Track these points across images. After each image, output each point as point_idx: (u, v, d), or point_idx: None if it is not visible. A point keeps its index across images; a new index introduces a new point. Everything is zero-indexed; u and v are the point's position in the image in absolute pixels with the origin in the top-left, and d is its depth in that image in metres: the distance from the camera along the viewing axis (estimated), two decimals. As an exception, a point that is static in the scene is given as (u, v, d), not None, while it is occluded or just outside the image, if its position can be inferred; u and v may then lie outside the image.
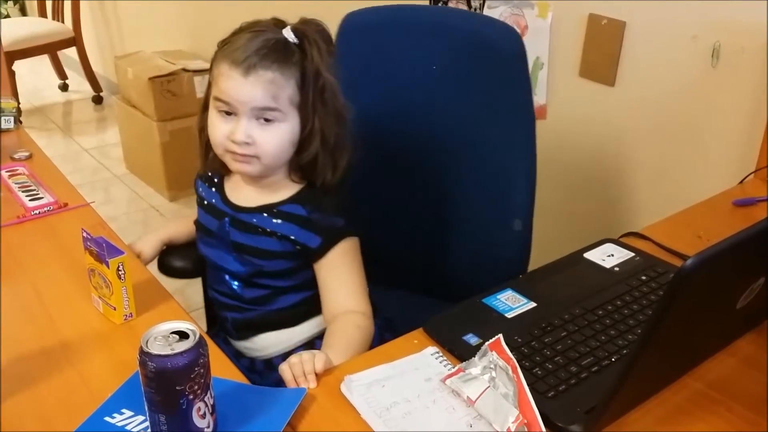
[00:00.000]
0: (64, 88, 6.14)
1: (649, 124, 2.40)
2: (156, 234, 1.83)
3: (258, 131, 1.51)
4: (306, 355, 1.29)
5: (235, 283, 1.66)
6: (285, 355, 1.52)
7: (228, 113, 1.52)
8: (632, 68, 2.40)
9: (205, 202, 1.70)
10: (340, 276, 1.62)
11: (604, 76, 2.47)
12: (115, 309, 1.39)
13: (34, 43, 5.33)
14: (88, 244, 1.39)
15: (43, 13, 5.84)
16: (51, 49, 5.63)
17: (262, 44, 1.49)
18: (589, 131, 2.58)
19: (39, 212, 1.76)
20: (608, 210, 2.60)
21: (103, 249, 1.35)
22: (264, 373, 1.69)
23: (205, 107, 1.60)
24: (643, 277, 1.53)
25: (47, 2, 5.76)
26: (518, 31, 2.56)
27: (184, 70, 4.15)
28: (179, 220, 1.91)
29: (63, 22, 5.65)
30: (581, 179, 2.68)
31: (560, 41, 2.58)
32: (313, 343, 1.67)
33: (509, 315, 1.41)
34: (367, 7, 1.85)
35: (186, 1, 4.62)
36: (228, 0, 4.15)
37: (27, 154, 2.05)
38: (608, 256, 1.62)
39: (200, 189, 1.73)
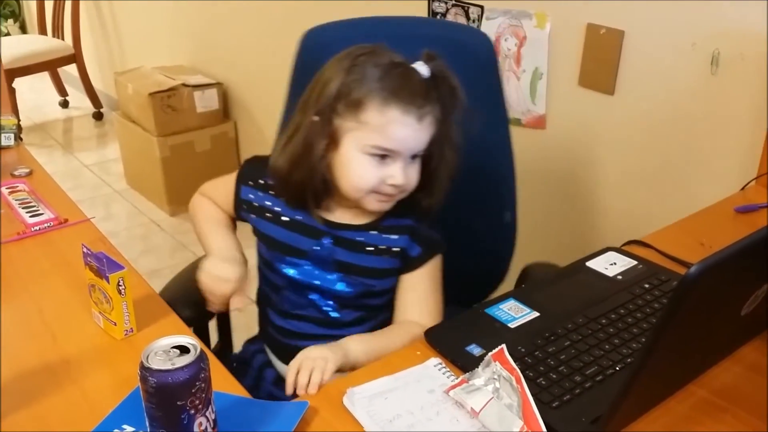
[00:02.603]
0: (64, 104, 6.15)
1: (649, 132, 2.40)
2: (232, 258, 1.61)
3: (408, 170, 1.48)
4: (319, 361, 1.29)
5: (330, 303, 1.61)
6: None
7: (383, 156, 1.45)
8: (631, 77, 2.40)
9: (285, 218, 1.59)
10: (424, 293, 1.60)
11: (603, 85, 2.47)
12: (115, 324, 1.39)
13: (35, 60, 5.34)
14: (89, 259, 1.39)
15: (43, 31, 5.85)
16: (51, 66, 5.64)
17: (420, 85, 1.44)
18: (589, 140, 2.58)
19: (39, 228, 1.76)
20: (610, 218, 2.60)
21: (103, 264, 1.35)
22: None
23: (324, 149, 1.48)
24: (647, 285, 1.52)
25: (47, 19, 5.77)
26: (517, 41, 2.57)
27: (184, 85, 4.16)
28: (224, 231, 1.69)
29: (63, 39, 5.66)
30: (582, 188, 2.68)
31: (559, 51, 2.58)
32: None
33: (512, 325, 1.41)
34: (329, 23, 1.79)
35: (186, 16, 4.63)
36: (227, 15, 4.16)
37: (27, 170, 2.05)
38: (611, 265, 1.61)
39: (264, 200, 1.61)
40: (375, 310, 1.63)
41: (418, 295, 1.60)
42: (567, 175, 2.66)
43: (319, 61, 1.56)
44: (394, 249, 1.57)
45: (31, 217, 1.79)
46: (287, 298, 1.62)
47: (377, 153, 1.44)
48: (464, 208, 1.77)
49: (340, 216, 1.58)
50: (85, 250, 1.39)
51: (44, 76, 5.97)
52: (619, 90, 2.44)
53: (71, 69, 5.73)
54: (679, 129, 2.31)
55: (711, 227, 1.80)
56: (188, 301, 1.63)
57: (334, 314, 1.60)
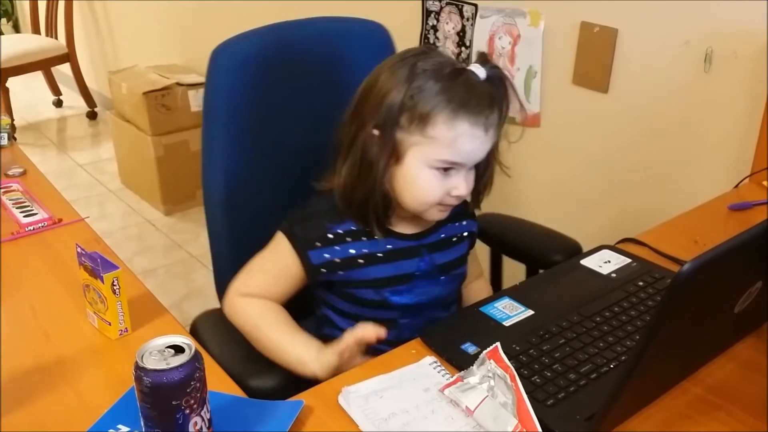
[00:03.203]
0: (58, 104, 6.14)
1: (643, 130, 2.40)
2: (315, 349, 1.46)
3: (468, 177, 1.48)
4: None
5: (441, 308, 1.63)
6: None
7: (446, 169, 1.43)
8: (625, 75, 2.40)
9: (380, 254, 1.54)
10: (473, 254, 1.74)
11: (597, 84, 2.47)
12: (110, 324, 1.38)
13: (28, 59, 5.33)
14: (83, 259, 1.39)
15: (36, 30, 5.85)
16: (45, 65, 5.63)
17: (484, 93, 1.41)
18: (583, 138, 2.58)
19: (33, 228, 1.76)
20: (604, 216, 2.60)
21: (97, 264, 1.35)
22: None
23: (386, 163, 1.45)
24: (641, 283, 1.53)
25: (40, 18, 5.76)
26: (511, 40, 2.57)
27: (179, 84, 4.15)
28: (287, 320, 1.55)
29: (56, 38, 5.66)
30: (576, 186, 2.68)
31: (553, 49, 2.58)
32: None
33: (507, 323, 1.41)
34: (235, 37, 1.70)
35: (179, 15, 4.62)
36: (221, 14, 4.16)
37: (21, 170, 2.05)
38: (605, 263, 1.61)
39: (347, 250, 1.52)
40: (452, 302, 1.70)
41: (477, 260, 1.78)
42: (560, 172, 2.67)
43: (232, 78, 1.60)
44: (467, 233, 1.65)
45: (25, 217, 1.79)
46: (406, 326, 1.59)
47: (443, 167, 1.43)
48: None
49: (412, 224, 1.57)
50: (79, 249, 1.39)
51: (38, 76, 5.96)
52: (613, 88, 2.44)
53: (65, 68, 5.72)
54: (673, 127, 2.32)
55: (705, 225, 1.80)
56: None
57: (443, 314, 1.63)
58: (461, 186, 1.45)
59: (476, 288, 1.79)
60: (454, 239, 1.62)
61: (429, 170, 1.43)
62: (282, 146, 1.72)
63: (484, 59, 1.45)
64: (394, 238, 1.55)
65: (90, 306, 1.42)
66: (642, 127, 2.40)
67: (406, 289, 1.56)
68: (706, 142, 2.24)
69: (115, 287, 1.36)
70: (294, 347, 1.46)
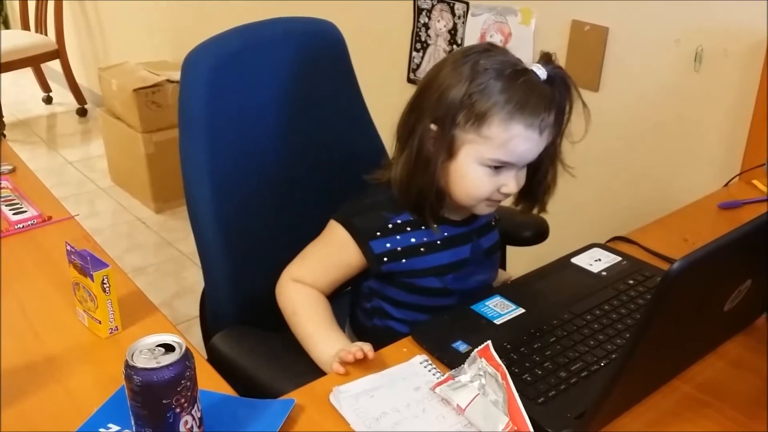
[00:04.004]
0: (48, 100, 6.11)
1: (633, 129, 2.41)
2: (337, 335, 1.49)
3: (519, 176, 1.49)
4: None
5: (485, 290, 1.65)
6: None
7: (498, 167, 1.44)
8: (616, 73, 2.41)
9: (438, 242, 1.56)
10: None
11: (588, 82, 2.48)
12: (100, 323, 1.38)
13: (18, 56, 5.30)
14: (73, 257, 1.38)
15: (26, 26, 5.83)
16: (34, 61, 5.61)
17: (543, 94, 1.41)
18: (573, 136, 2.58)
19: (23, 226, 1.75)
20: (594, 215, 2.61)
21: (87, 262, 1.35)
22: None
23: (442, 159, 1.45)
24: (631, 281, 1.53)
25: (30, 15, 5.74)
26: (502, 38, 2.58)
27: (169, 81, 4.14)
28: (324, 314, 1.53)
29: (46, 34, 5.64)
30: (566, 185, 2.67)
31: (544, 47, 2.55)
32: None
33: (498, 321, 1.41)
34: (207, 41, 1.68)
35: (170, 11, 4.62)
36: (211, 10, 4.15)
37: (10, 167, 2.04)
38: (595, 261, 1.62)
39: (408, 239, 1.54)
40: None
41: None
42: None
43: (208, 82, 1.60)
44: (496, 218, 1.69)
45: (14, 214, 1.79)
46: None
47: (495, 165, 1.44)
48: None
49: (458, 210, 1.58)
50: (69, 247, 1.38)
51: (27, 72, 5.94)
52: (604, 86, 2.44)
53: (54, 65, 5.71)
54: (663, 125, 2.32)
55: (694, 223, 1.81)
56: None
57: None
58: (511, 184, 1.46)
59: (498, 278, 1.80)
60: (492, 223, 1.67)
61: (480, 167, 1.44)
62: (263, 145, 1.72)
63: (547, 59, 1.45)
64: (448, 225, 1.57)
65: (80, 304, 1.42)
66: (632, 126, 2.41)
67: (463, 275, 1.59)
68: (696, 140, 2.25)
69: (105, 285, 1.35)
70: (318, 345, 1.45)
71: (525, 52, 2.60)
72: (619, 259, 1.63)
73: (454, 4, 2.81)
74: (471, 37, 2.77)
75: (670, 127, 2.31)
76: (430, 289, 1.57)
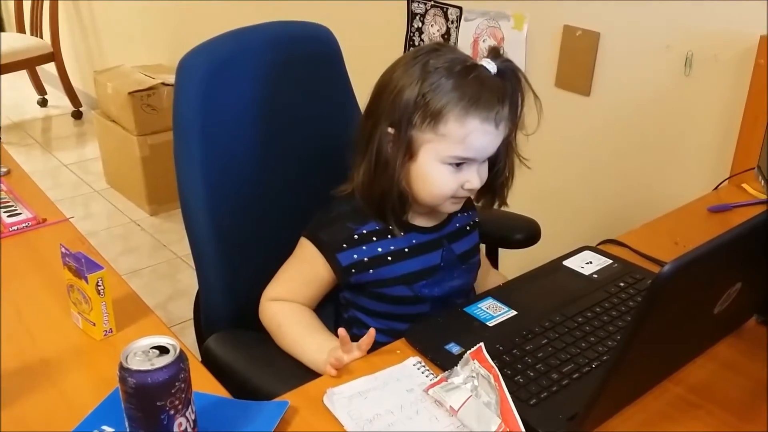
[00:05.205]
0: (43, 103, 6.11)
1: (624, 133, 2.42)
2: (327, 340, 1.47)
3: (481, 171, 1.50)
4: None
5: (464, 295, 1.66)
6: None
7: (459, 164, 1.45)
8: (607, 78, 2.42)
9: (406, 249, 1.56)
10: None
11: (579, 86, 2.49)
12: (94, 325, 1.39)
13: (13, 58, 5.29)
14: (67, 259, 1.39)
15: (21, 29, 5.81)
16: (30, 64, 5.60)
17: (495, 88, 1.42)
18: (564, 141, 2.60)
19: (17, 228, 1.76)
20: (586, 218, 2.62)
21: (81, 264, 1.35)
22: None
23: (402, 161, 1.46)
24: (622, 284, 1.54)
25: (25, 17, 5.74)
26: (495, 43, 2.59)
27: (164, 84, 4.15)
28: (310, 321, 1.55)
29: (41, 37, 5.63)
30: (558, 188, 2.69)
31: (536, 52, 2.59)
32: None
33: (490, 323, 1.42)
34: (199, 46, 1.68)
35: (165, 14, 4.61)
36: (206, 14, 4.15)
37: (5, 170, 2.04)
38: (587, 264, 1.62)
39: (374, 249, 1.54)
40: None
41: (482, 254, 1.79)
42: (542, 174, 2.67)
43: (202, 87, 1.60)
44: (474, 221, 1.69)
45: (9, 216, 1.79)
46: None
47: (456, 162, 1.44)
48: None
49: (427, 217, 1.59)
50: (63, 250, 1.39)
51: (23, 75, 5.93)
52: (595, 91, 2.46)
53: (50, 67, 5.70)
54: (654, 129, 2.33)
55: (685, 226, 1.82)
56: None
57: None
58: (474, 179, 1.47)
59: (491, 280, 1.82)
60: (467, 227, 1.66)
61: (442, 165, 1.45)
62: (256, 148, 1.72)
63: (495, 53, 1.46)
64: (416, 232, 1.58)
65: (74, 306, 1.42)
66: (623, 130, 2.42)
67: (434, 281, 1.59)
68: (686, 144, 2.26)
69: (99, 288, 1.36)
70: (309, 349, 1.46)
71: (518, 56, 2.61)
72: (610, 261, 1.64)
73: (447, 8, 2.82)
74: (464, 41, 2.78)
75: (661, 131, 2.32)
76: (401, 297, 1.57)
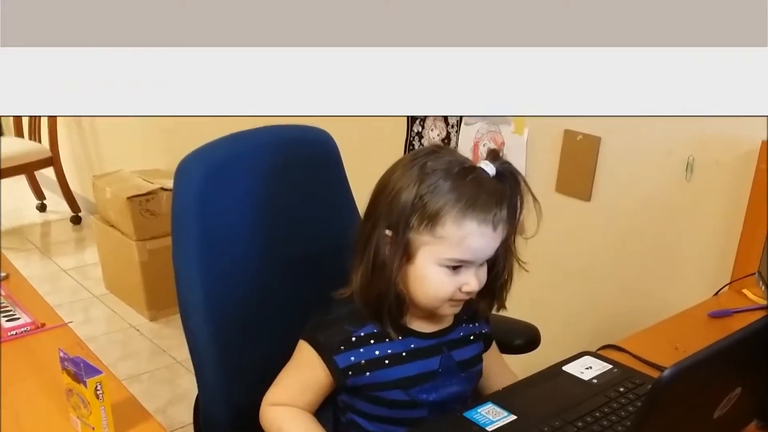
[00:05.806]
0: (41, 208, 6.13)
1: (624, 238, 2.43)
2: None
3: (479, 273, 1.49)
4: None
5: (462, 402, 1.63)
6: None
7: (456, 267, 1.45)
8: (608, 183, 2.44)
9: (404, 353, 1.55)
10: (500, 358, 1.76)
11: (580, 191, 2.50)
12: (93, 429, 1.38)
13: (11, 163, 5.31)
14: (66, 364, 1.39)
15: (19, 133, 5.85)
16: (28, 169, 5.62)
17: (493, 190, 1.43)
18: (565, 246, 2.61)
19: (16, 333, 1.75)
20: (585, 323, 2.61)
21: (80, 369, 1.35)
22: None
23: (399, 263, 1.46)
24: (621, 389, 1.53)
25: (24, 122, 5.78)
26: (495, 147, 2.61)
27: (163, 189, 4.17)
28: (309, 425, 1.57)
29: (40, 141, 5.66)
30: (558, 292, 2.69)
31: (536, 157, 2.62)
32: None
33: (490, 428, 1.41)
34: (199, 149, 1.72)
35: (163, 119, 4.66)
36: (204, 118, 4.20)
37: (4, 274, 2.05)
38: (586, 369, 1.62)
39: (371, 351, 1.53)
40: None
41: (502, 362, 1.77)
42: (542, 280, 2.68)
43: (200, 192, 1.62)
44: (481, 332, 1.67)
45: (8, 321, 1.79)
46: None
47: (453, 265, 1.44)
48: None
49: (427, 322, 1.58)
50: (62, 354, 1.39)
51: (21, 179, 5.96)
52: (596, 196, 2.47)
53: (48, 172, 5.72)
54: (654, 235, 2.34)
55: (685, 332, 1.81)
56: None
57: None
58: (472, 282, 1.46)
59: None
60: (471, 337, 1.64)
61: (439, 268, 1.44)
62: (255, 252, 1.73)
63: (494, 155, 1.47)
64: (415, 337, 1.57)
65: (73, 411, 1.42)
66: (623, 235, 2.43)
67: (432, 387, 1.57)
68: (686, 249, 2.27)
69: (98, 392, 1.35)
70: None
71: (518, 161, 2.64)
72: (610, 366, 1.63)
73: (446, 113, 2.86)
74: (464, 146, 2.81)
75: (662, 235, 2.33)
76: (397, 401, 1.56)
